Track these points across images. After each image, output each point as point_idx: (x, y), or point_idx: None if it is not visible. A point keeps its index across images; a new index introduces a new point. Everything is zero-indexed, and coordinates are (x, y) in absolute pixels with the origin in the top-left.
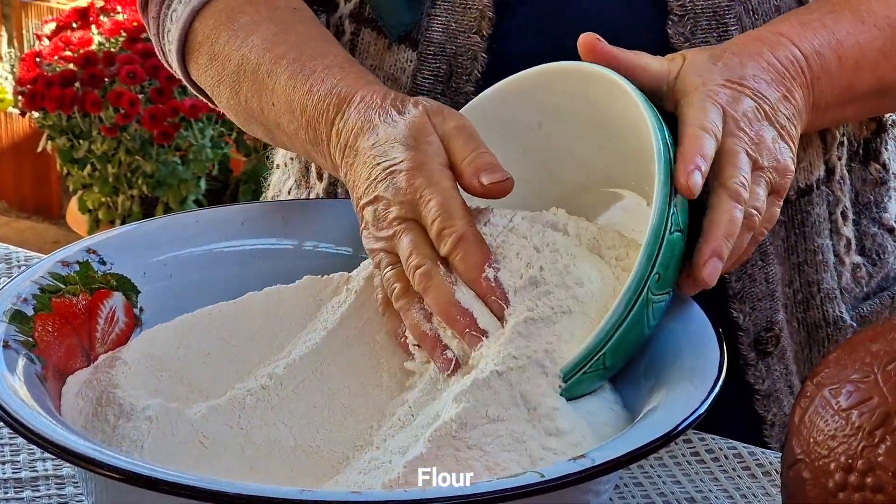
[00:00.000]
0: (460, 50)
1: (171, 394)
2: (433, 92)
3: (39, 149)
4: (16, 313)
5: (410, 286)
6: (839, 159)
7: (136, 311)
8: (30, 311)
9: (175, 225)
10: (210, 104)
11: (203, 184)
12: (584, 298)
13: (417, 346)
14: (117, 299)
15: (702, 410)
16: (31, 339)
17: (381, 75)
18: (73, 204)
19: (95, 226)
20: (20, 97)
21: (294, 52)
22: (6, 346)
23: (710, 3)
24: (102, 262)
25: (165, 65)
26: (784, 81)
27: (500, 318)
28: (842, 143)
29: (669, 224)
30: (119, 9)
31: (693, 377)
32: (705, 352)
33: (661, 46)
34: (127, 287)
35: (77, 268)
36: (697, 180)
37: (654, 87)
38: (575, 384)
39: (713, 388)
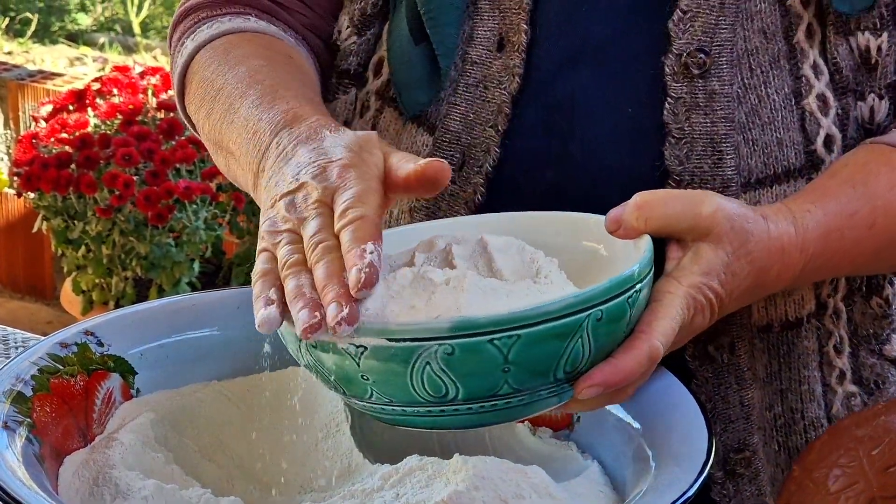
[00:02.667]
0: (475, 141)
1: (167, 475)
2: None
3: (34, 229)
4: (15, 394)
5: (305, 260)
6: (831, 295)
7: (133, 392)
8: (28, 392)
9: (171, 308)
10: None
11: (196, 266)
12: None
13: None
14: (114, 381)
15: (690, 494)
16: (29, 420)
17: None
18: (67, 285)
19: (89, 307)
20: (16, 178)
21: (270, 83)
22: (5, 426)
23: (707, 129)
24: (100, 344)
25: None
26: (766, 286)
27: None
28: (836, 280)
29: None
30: (115, 91)
31: (680, 461)
32: (693, 436)
33: (656, 166)
34: (124, 369)
35: (75, 349)
36: (591, 393)
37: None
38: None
39: (701, 472)
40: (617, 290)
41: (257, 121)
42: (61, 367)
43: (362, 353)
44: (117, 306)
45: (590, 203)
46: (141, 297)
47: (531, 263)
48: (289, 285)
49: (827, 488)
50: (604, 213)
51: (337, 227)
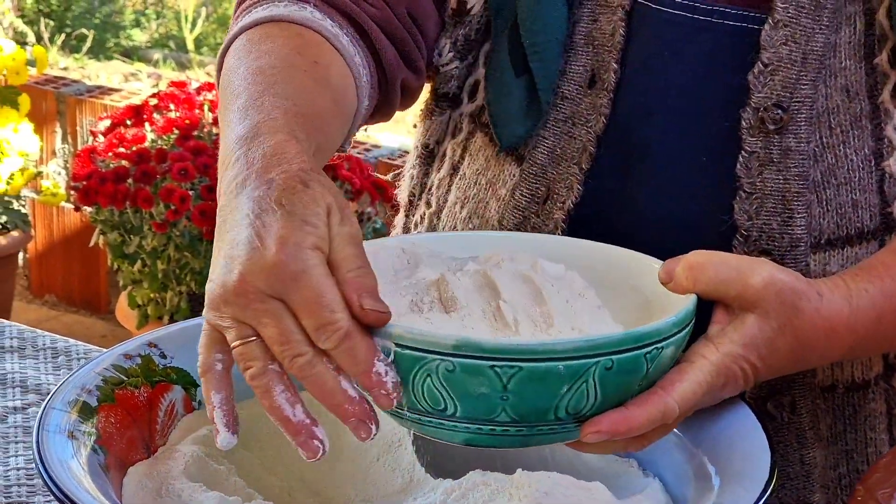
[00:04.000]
0: (560, 177)
1: (229, 487)
2: (528, 210)
3: (91, 243)
4: (80, 404)
5: (269, 364)
6: None
7: (195, 405)
8: (94, 402)
9: None
10: None
11: None
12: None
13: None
14: (177, 393)
15: None
16: (95, 430)
17: (483, 181)
18: (123, 299)
19: (144, 321)
20: (73, 192)
21: (263, 86)
22: (71, 436)
23: (779, 185)
24: (163, 356)
25: None
26: (808, 362)
27: (388, 408)
28: None
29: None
30: (172, 107)
31: (743, 479)
32: (756, 455)
33: (724, 220)
34: (186, 381)
35: (139, 361)
36: (595, 438)
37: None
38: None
39: (764, 491)
40: (633, 342)
41: (229, 129)
42: (125, 379)
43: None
44: (171, 321)
45: (656, 250)
46: (195, 312)
47: (578, 297)
48: (263, 403)
49: None
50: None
51: (319, 343)
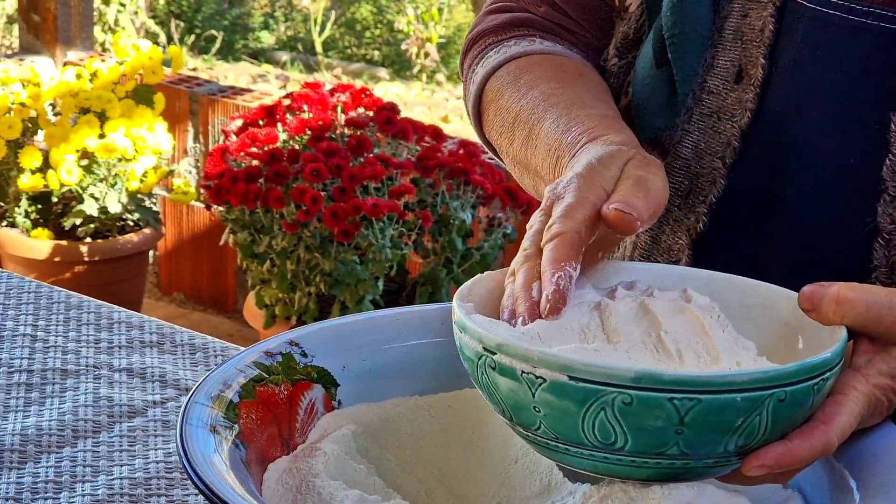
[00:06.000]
0: (703, 171)
1: (369, 486)
2: (671, 203)
3: (221, 242)
4: (223, 400)
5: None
6: None
7: (335, 404)
8: (235, 398)
9: (375, 322)
10: (499, 160)
11: (381, 284)
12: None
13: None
14: (317, 391)
15: None
16: (236, 426)
17: None
18: (251, 298)
19: (272, 321)
20: (204, 191)
21: (566, 104)
22: (213, 430)
23: None
24: (304, 355)
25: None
26: None
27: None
28: None
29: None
30: (305, 108)
31: (888, 492)
32: None
33: (867, 222)
34: (327, 380)
35: (280, 359)
36: (759, 472)
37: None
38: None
39: None
40: (806, 374)
41: (558, 145)
42: (267, 376)
43: (540, 385)
44: (299, 322)
45: (796, 248)
46: (323, 313)
47: (730, 328)
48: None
49: None
50: (808, 262)
51: (542, 244)
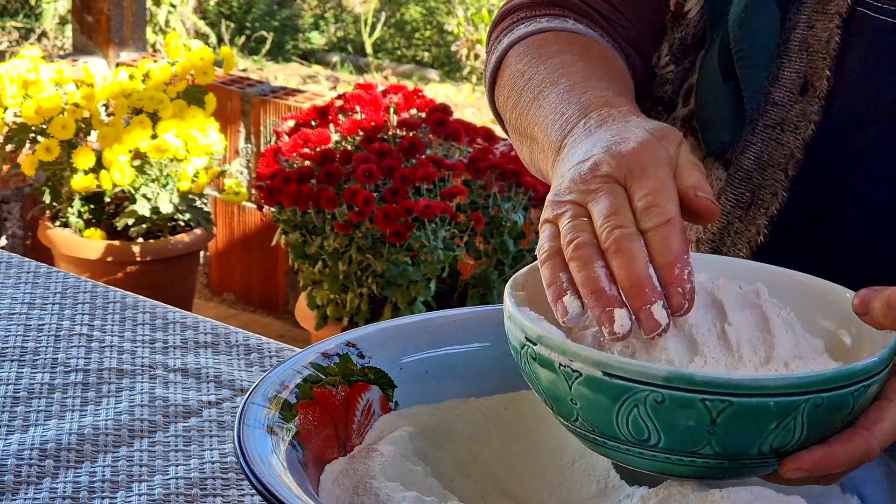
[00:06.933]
0: (765, 182)
1: (425, 488)
2: (732, 215)
3: (273, 243)
4: (280, 400)
5: (595, 241)
6: None
7: (392, 405)
8: (293, 399)
9: (433, 323)
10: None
11: (433, 286)
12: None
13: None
14: (374, 393)
15: None
16: (293, 427)
17: None
18: (302, 299)
19: (323, 322)
20: (256, 191)
21: (583, 74)
22: (270, 431)
23: None
24: (361, 356)
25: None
26: None
27: (677, 313)
28: None
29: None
30: (357, 109)
31: None
32: None
33: None
34: (384, 381)
35: (337, 360)
36: (796, 475)
37: None
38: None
39: None
40: (843, 380)
41: (567, 103)
42: (324, 377)
43: (576, 378)
44: (351, 323)
45: (858, 260)
46: (375, 314)
47: (798, 327)
48: (578, 274)
49: None
50: (869, 274)
51: (642, 222)
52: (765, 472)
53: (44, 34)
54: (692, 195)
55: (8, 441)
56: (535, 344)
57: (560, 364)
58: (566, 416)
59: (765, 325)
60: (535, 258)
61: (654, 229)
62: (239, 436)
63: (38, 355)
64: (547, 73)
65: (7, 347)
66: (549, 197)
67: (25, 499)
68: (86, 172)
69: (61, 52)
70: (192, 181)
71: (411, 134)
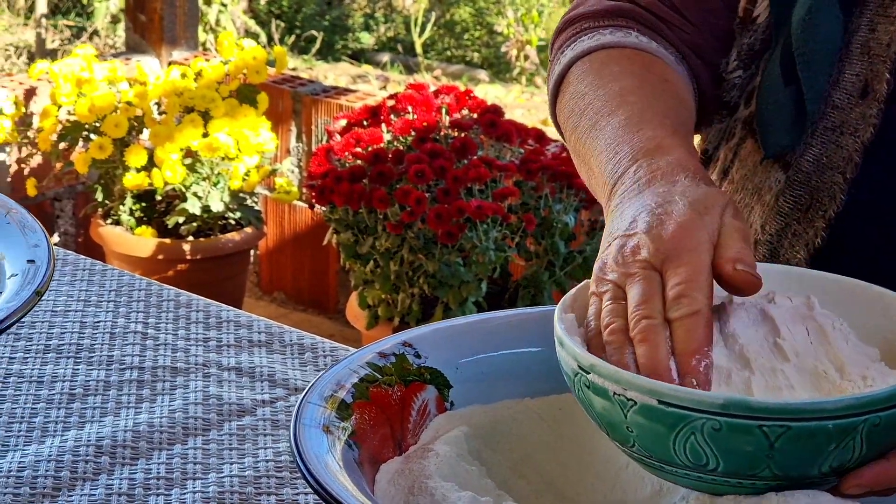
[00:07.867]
0: (824, 185)
1: (481, 488)
2: (790, 217)
3: (325, 242)
4: (336, 400)
5: (626, 327)
6: None
7: (448, 405)
8: (349, 399)
9: (489, 324)
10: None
11: (484, 286)
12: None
13: None
14: (430, 392)
15: None
16: (349, 426)
17: (749, 186)
18: (353, 299)
19: (374, 322)
20: (308, 190)
21: (640, 105)
22: (327, 430)
23: None
24: (417, 356)
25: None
26: None
27: None
28: None
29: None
30: (409, 108)
31: None
32: None
33: None
34: (440, 381)
35: (393, 359)
36: (857, 491)
37: None
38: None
39: None
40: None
41: (620, 143)
42: (380, 377)
43: (631, 407)
44: (402, 323)
45: None
46: (426, 315)
47: (855, 338)
48: (611, 358)
49: None
50: None
51: (670, 310)
52: (824, 489)
53: (95, 33)
54: (730, 270)
55: (64, 437)
56: (588, 373)
57: (614, 392)
58: (622, 441)
59: (822, 338)
60: (585, 259)
61: (680, 320)
62: (295, 434)
63: (94, 352)
64: (605, 100)
65: (63, 344)
66: (596, 265)
67: (82, 495)
68: (138, 170)
69: (113, 51)
70: (244, 180)
71: (463, 135)
